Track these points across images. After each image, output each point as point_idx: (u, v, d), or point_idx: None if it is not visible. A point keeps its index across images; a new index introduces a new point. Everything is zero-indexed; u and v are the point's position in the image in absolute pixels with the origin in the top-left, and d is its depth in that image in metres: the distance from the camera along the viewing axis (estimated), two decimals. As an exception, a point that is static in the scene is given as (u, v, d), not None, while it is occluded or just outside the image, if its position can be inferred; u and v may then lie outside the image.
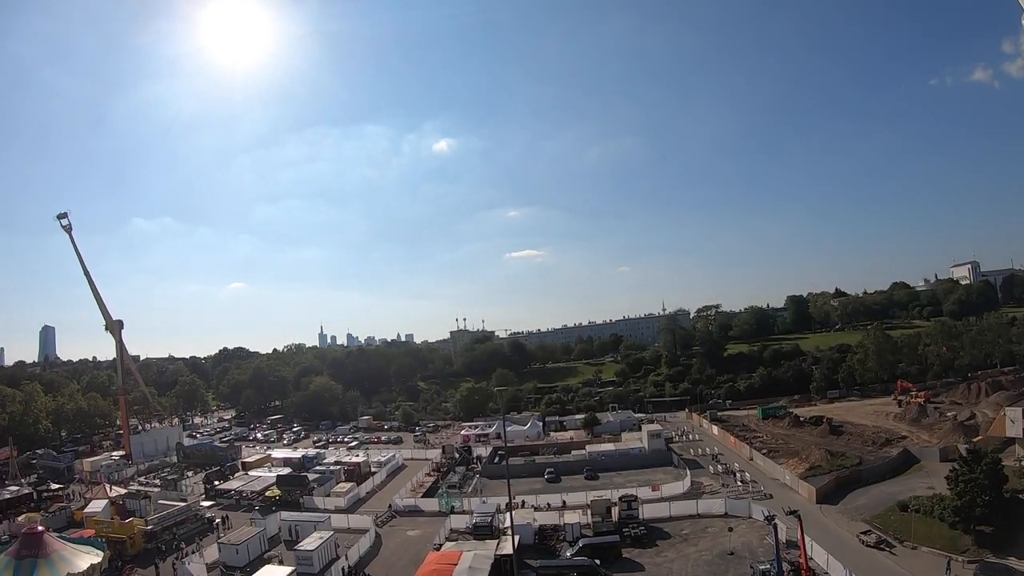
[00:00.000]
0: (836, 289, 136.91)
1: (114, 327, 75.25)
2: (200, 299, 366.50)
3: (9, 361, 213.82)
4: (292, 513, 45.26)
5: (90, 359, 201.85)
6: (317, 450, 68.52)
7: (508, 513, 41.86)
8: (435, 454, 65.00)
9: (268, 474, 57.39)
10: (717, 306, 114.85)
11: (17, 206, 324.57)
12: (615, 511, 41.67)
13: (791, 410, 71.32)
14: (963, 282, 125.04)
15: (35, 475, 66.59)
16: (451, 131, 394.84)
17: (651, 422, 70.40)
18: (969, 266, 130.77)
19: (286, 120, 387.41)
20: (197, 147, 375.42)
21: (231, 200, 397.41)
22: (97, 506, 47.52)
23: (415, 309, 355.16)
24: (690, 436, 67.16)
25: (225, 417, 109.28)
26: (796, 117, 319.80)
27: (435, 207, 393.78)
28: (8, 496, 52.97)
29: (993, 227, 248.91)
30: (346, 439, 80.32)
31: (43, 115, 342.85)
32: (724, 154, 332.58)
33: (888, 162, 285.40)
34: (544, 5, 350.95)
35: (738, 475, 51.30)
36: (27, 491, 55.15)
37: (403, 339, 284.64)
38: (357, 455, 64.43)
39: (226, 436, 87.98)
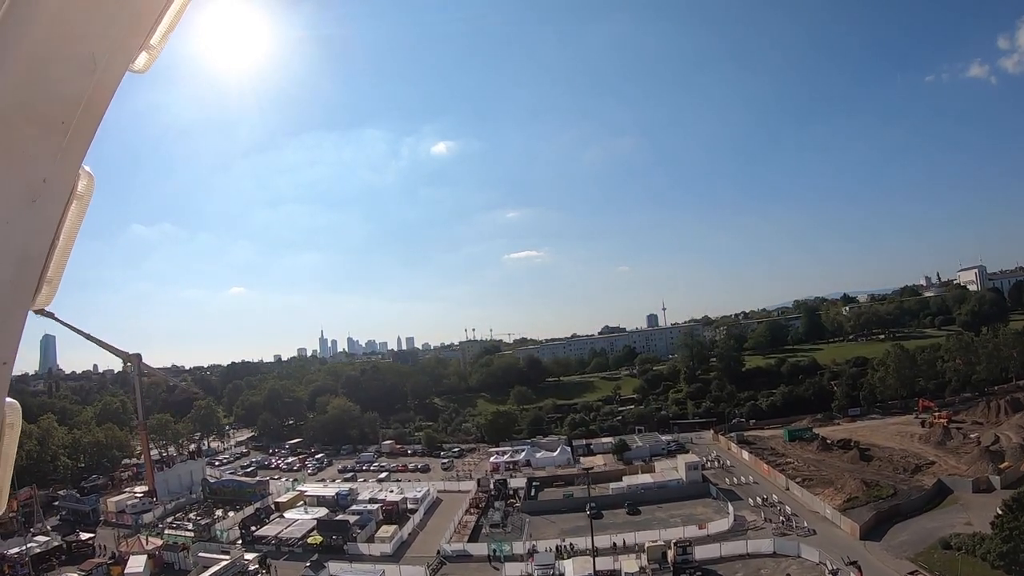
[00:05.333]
0: (844, 295, 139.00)
1: (133, 360, 73.71)
2: (200, 304, 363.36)
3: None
4: (343, 565, 44.83)
5: (91, 368, 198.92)
6: (349, 485, 67.99)
7: (568, 562, 42.17)
8: (469, 486, 64.80)
9: (305, 516, 56.73)
10: (735, 315, 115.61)
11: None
12: (670, 555, 42.16)
13: (817, 431, 72.17)
14: (971, 287, 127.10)
15: (58, 517, 65.25)
16: (449, 134, 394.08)
17: (684, 449, 70.91)
18: (976, 271, 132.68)
19: (284, 125, 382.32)
20: (195, 152, 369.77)
21: (231, 205, 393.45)
22: (137, 563, 46.55)
23: (415, 311, 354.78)
24: (721, 462, 67.57)
25: (241, 439, 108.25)
26: (792, 115, 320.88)
27: (434, 209, 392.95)
28: (39, 550, 51.70)
29: (996, 224, 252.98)
30: (372, 467, 79.94)
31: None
32: (721, 153, 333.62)
33: (886, 160, 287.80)
34: (540, 6, 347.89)
35: (779, 508, 51.78)
36: (57, 543, 53.83)
37: (404, 342, 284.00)
38: (391, 490, 64.00)
39: (247, 464, 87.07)
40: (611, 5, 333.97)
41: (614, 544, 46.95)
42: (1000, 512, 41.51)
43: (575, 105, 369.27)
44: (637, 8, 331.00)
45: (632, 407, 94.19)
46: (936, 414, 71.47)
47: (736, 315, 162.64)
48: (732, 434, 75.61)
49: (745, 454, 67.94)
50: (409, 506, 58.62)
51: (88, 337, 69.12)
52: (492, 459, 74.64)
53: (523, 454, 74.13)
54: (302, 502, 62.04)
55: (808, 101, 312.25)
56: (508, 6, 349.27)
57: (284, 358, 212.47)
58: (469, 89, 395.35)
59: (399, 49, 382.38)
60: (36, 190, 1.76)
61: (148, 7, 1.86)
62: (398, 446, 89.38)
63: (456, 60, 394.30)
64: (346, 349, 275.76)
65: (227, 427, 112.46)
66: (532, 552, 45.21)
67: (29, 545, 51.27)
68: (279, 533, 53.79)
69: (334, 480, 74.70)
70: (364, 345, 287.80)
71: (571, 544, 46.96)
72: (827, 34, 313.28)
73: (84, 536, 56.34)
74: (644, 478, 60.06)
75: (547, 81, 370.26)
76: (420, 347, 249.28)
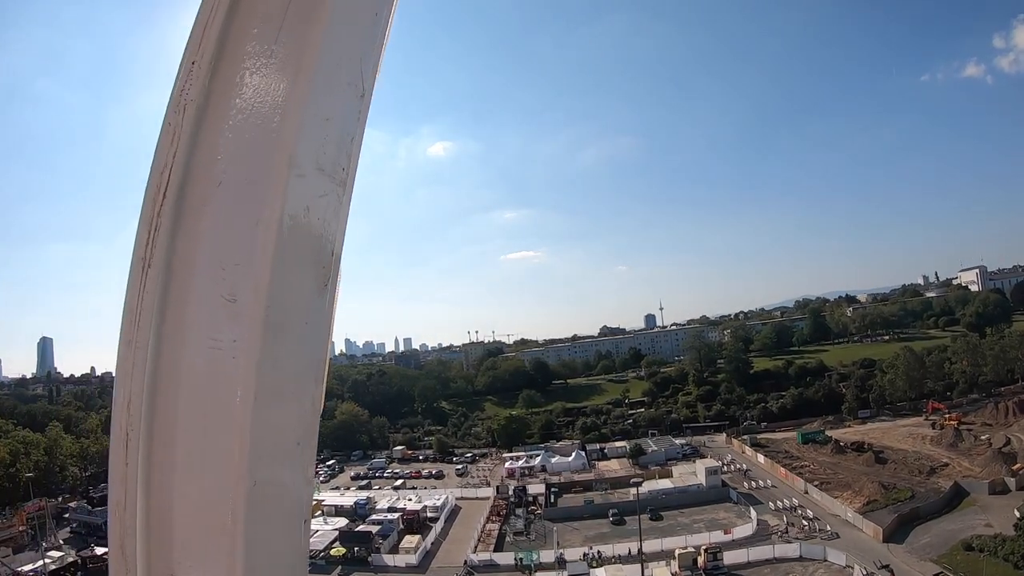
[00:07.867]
0: (845, 295, 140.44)
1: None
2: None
3: (8, 373, 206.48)
4: (372, 579, 44.49)
5: (89, 370, 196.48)
6: (366, 493, 67.51)
7: (600, 570, 42.14)
8: (487, 492, 64.61)
9: (325, 527, 55.98)
10: (735, 315, 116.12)
11: (15, 217, 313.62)
12: (700, 561, 42.41)
13: (830, 434, 72.74)
14: (972, 287, 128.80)
15: (68, 530, 64.08)
16: (447, 134, 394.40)
17: (699, 453, 71.23)
18: (977, 271, 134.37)
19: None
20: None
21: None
22: (159, 579, 45.85)
23: (413, 312, 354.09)
24: (737, 466, 67.85)
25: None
26: (787, 115, 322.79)
27: (431, 211, 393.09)
28: (54, 566, 50.68)
29: (993, 224, 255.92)
30: (386, 474, 79.46)
31: (40, 126, 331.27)
32: (718, 152, 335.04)
33: (881, 160, 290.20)
34: (538, 6, 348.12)
35: (800, 512, 52.12)
36: (72, 558, 52.86)
37: (402, 343, 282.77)
38: (409, 498, 63.61)
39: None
40: (608, 4, 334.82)
41: (639, 551, 47.03)
42: (1020, 514, 42.25)
43: (572, 105, 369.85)
44: (634, 7, 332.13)
45: (642, 410, 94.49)
46: (947, 416, 72.30)
47: (736, 315, 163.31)
48: (745, 437, 76.02)
49: (760, 457, 68.32)
50: (429, 515, 58.16)
51: None
52: (508, 464, 74.44)
53: (538, 459, 73.98)
54: (320, 512, 61.23)
55: (803, 101, 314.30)
56: (506, 6, 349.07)
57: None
58: (466, 90, 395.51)
59: (397, 50, 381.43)
60: (327, 269, 1.27)
61: (378, 21, 1.38)
62: (409, 452, 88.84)
63: (454, 61, 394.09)
64: (344, 350, 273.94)
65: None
66: (562, 561, 45.17)
67: (44, 561, 50.28)
68: (301, 544, 53.20)
69: (348, 488, 74.15)
70: (362, 346, 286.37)
71: (598, 551, 47.00)
72: (823, 33, 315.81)
73: (99, 551, 55.08)
74: (664, 483, 60.22)
75: (544, 81, 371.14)
76: (419, 348, 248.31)
